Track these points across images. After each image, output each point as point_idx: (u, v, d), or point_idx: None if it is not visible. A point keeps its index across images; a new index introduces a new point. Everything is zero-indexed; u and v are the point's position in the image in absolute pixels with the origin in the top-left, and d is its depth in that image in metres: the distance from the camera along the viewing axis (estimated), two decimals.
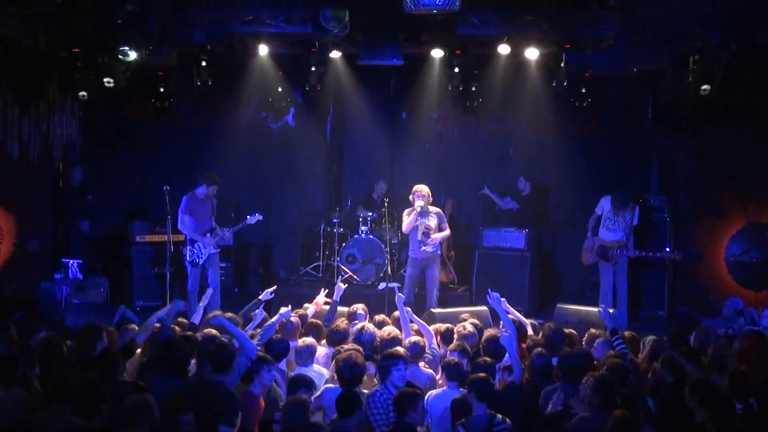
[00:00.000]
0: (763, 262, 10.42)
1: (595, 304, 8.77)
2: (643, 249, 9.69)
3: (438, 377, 6.26)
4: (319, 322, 7.30)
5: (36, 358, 5.92)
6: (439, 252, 9.59)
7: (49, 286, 9.91)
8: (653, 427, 5.22)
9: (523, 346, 6.65)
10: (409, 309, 7.36)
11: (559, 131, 11.51)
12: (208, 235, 9.41)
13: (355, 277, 10.52)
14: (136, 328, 6.96)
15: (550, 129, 11.53)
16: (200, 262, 9.38)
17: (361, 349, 6.13)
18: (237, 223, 9.86)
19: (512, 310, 7.22)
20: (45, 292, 9.85)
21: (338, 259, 10.62)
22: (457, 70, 10.40)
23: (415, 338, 6.65)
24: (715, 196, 10.82)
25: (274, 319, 6.87)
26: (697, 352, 6.48)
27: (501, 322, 6.78)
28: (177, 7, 8.90)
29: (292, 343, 6.55)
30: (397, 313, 7.46)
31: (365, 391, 5.79)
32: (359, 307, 7.75)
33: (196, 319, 7.67)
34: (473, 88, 10.83)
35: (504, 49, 9.65)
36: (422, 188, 9.39)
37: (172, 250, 9.38)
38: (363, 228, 10.74)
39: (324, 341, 6.94)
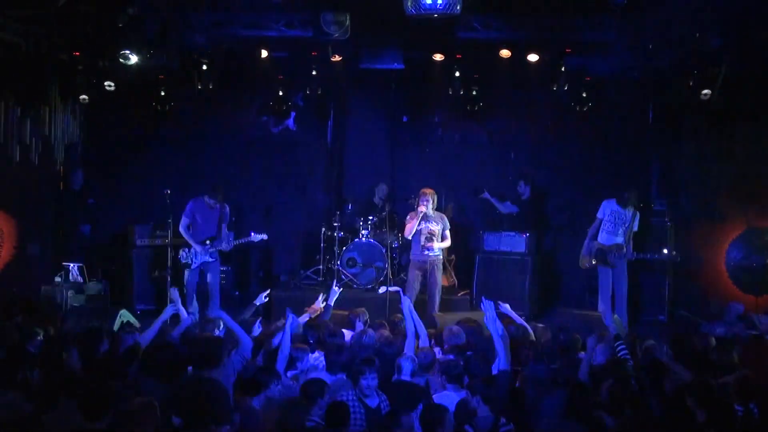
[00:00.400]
0: (764, 267, 10.36)
1: (596, 308, 8.76)
2: (641, 252, 9.68)
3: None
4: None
5: (36, 362, 5.91)
6: (440, 256, 9.58)
7: (50, 290, 9.91)
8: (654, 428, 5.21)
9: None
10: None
11: (560, 135, 11.50)
12: (207, 243, 9.37)
13: (354, 281, 10.52)
14: (138, 332, 6.95)
15: (550, 133, 11.53)
16: (193, 266, 9.36)
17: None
18: (240, 237, 9.70)
19: (515, 315, 7.23)
20: (45, 295, 9.85)
21: (338, 262, 10.61)
22: (457, 74, 10.43)
23: (426, 348, 6.62)
24: (716, 201, 10.79)
25: (284, 329, 6.53)
26: (698, 355, 6.48)
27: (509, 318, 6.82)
28: (178, 10, 8.89)
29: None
30: (398, 315, 7.46)
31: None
32: (359, 311, 7.76)
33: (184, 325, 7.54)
34: (474, 92, 10.80)
35: (505, 53, 9.66)
36: (428, 191, 9.38)
37: (173, 253, 9.38)
38: (363, 232, 10.74)
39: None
